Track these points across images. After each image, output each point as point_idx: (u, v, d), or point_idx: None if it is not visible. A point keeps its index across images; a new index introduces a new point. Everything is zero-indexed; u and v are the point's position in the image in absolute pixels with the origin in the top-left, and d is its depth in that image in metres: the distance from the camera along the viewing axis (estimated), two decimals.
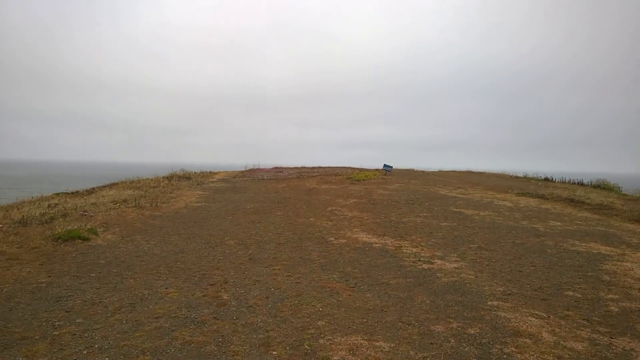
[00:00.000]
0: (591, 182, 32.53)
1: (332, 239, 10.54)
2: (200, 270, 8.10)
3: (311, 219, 13.48)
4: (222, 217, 14.15)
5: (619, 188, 30.24)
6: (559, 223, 12.72)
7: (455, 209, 14.93)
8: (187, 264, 8.51)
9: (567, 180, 34.84)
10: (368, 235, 10.91)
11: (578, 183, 33.31)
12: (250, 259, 8.85)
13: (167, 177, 29.33)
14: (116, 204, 17.38)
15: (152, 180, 27.15)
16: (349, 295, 6.62)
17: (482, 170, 46.21)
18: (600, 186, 31.04)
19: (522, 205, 16.15)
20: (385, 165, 29.39)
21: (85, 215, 14.98)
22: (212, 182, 27.78)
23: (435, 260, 8.54)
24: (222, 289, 7.01)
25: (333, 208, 15.60)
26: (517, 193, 19.20)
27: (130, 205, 16.82)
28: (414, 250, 9.38)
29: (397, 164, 36.28)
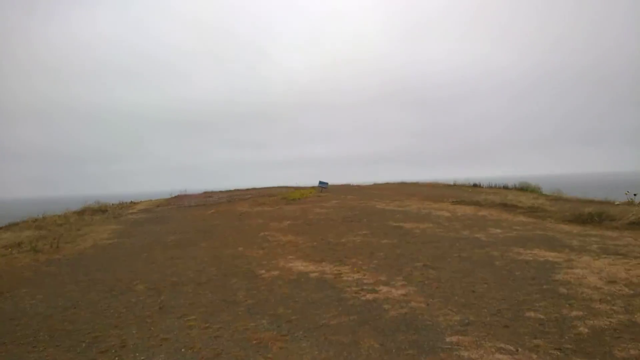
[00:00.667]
0: (515, 185, 33.92)
1: (262, 271, 9.16)
2: (94, 331, 6.38)
3: (240, 248, 12.00)
4: (135, 255, 12.24)
5: (539, 189, 31.70)
6: (499, 230, 12.32)
7: (394, 224, 14.16)
8: (77, 324, 6.74)
9: (493, 185, 36.11)
10: (304, 263, 9.67)
11: (503, 187, 34.59)
12: (160, 308, 7.23)
13: (78, 212, 26.33)
14: (7, 249, 14.78)
15: (59, 216, 24.14)
16: (281, 348, 5.30)
17: (415, 181, 47.14)
18: (523, 188, 32.37)
19: (459, 214, 15.80)
20: (320, 182, 28.55)
21: None
22: (132, 213, 25.30)
23: (380, 287, 7.46)
24: (116, 356, 5.40)
25: (266, 233, 14.22)
26: (453, 201, 19.03)
27: (24, 249, 14.34)
28: (356, 276, 8.26)
29: (333, 179, 35.70)
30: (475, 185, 35.83)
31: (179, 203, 28.27)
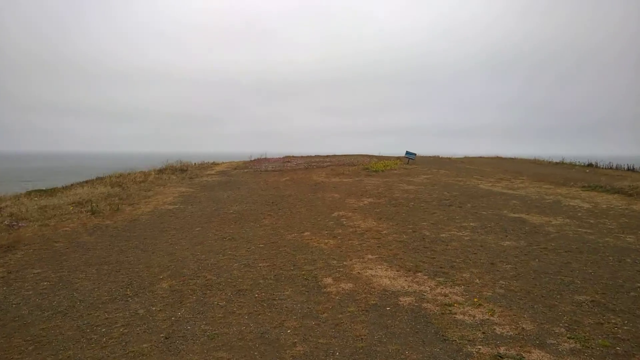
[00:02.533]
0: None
1: (329, 280, 6.16)
2: None
3: (306, 233, 9.14)
4: (187, 229, 9.98)
5: None
6: None
7: (512, 214, 10.33)
8: (45, 353, 4.32)
9: (613, 167, 29.61)
10: (390, 271, 6.49)
11: (629, 169, 28.05)
12: (166, 338, 4.57)
13: (159, 170, 25.38)
14: (73, 206, 13.53)
15: (140, 174, 23.19)
16: None
17: (511, 156, 41.09)
18: None
19: (603, 206, 11.42)
20: (407, 153, 24.77)
21: (14, 225, 11.09)
22: (209, 174, 23.77)
23: (530, 349, 4.08)
24: None
25: (341, 213, 11.22)
26: (583, 186, 14.42)
27: (85, 209, 12.92)
28: (476, 312, 4.92)
29: (420, 150, 31.50)
30: (591, 165, 29.54)
31: (257, 167, 26.34)
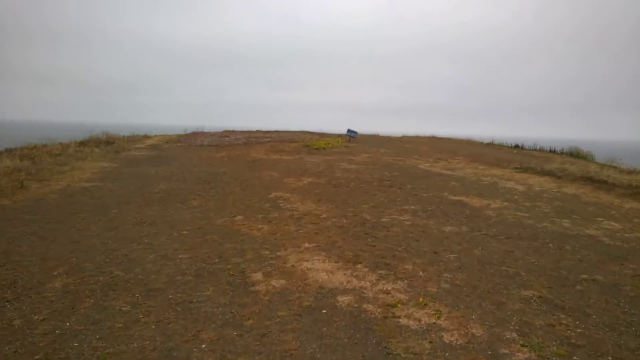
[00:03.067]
0: (563, 150, 28.92)
1: (259, 276, 5.35)
2: None
3: (239, 217, 8.23)
4: (101, 212, 8.68)
5: (592, 156, 26.86)
6: (617, 225, 8.11)
7: (452, 197, 10.07)
8: None
9: (538, 148, 31.26)
10: (328, 263, 5.81)
11: (551, 151, 29.69)
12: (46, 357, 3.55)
13: (80, 142, 22.89)
14: None
15: (58, 146, 20.75)
16: None
17: (445, 136, 42.32)
18: (573, 154, 27.50)
19: (537, 188, 11.53)
20: (349, 131, 24.27)
21: None
22: (138, 148, 21.83)
23: None
24: None
25: (278, 194, 10.38)
26: (517, 168, 14.66)
27: None
28: (421, 315, 4.35)
29: (361, 128, 31.21)
30: (517, 147, 30.91)
31: (191, 141, 24.64)
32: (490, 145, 32.11)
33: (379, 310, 4.37)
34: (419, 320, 4.13)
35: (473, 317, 4.22)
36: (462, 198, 9.93)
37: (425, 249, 6.36)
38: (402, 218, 8.16)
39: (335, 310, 4.38)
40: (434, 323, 4.09)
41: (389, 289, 4.91)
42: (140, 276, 5.30)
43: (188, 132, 29.20)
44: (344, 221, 7.90)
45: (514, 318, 4.22)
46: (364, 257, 5.99)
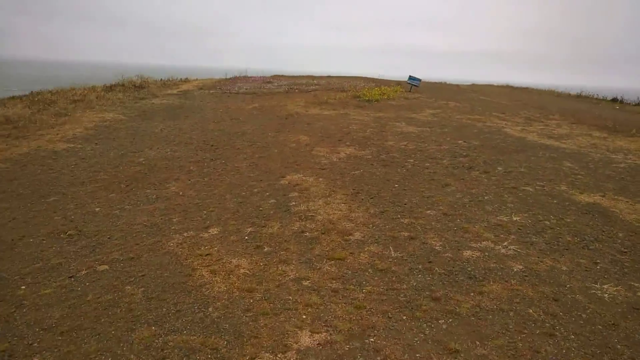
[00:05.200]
0: None
1: None
2: None
3: (213, 230, 4.85)
4: (34, 198, 5.69)
5: None
6: None
7: (579, 195, 5.94)
8: None
9: (624, 100, 24.68)
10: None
11: None
12: None
13: (108, 87, 20.40)
14: None
15: (82, 90, 18.36)
16: None
17: (521, 85, 35.75)
18: None
19: None
20: (410, 78, 19.68)
21: None
22: (167, 94, 19.01)
23: None
24: None
25: (296, 177, 6.85)
26: None
27: None
28: None
29: (424, 75, 26.10)
30: (615, 100, 24.44)
31: (228, 87, 21.33)
32: (582, 98, 25.89)
33: None
34: None
35: None
36: (597, 198, 5.80)
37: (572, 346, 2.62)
38: (498, 249, 4.34)
39: None
40: None
41: None
42: None
43: (229, 77, 25.85)
44: (392, 253, 4.24)
45: None
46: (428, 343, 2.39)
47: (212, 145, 9.37)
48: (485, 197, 5.81)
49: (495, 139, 9.54)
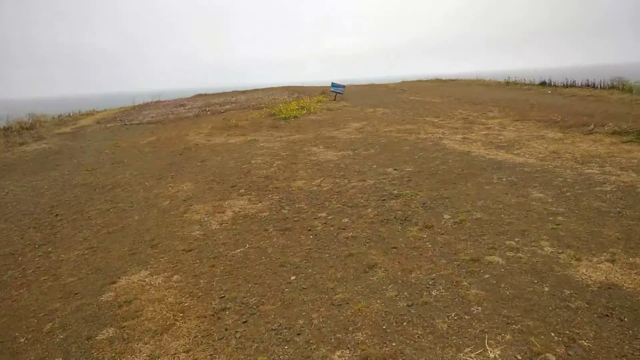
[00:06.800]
0: (603, 84, 21.58)
1: None
2: None
3: None
4: None
5: (632, 86, 19.89)
6: None
7: (579, 269, 3.62)
8: None
9: (569, 84, 24.04)
10: None
11: (589, 86, 22.43)
12: None
13: None
14: None
15: None
16: None
17: (447, 77, 35.09)
18: (625, 88, 20.25)
19: None
20: (333, 85, 17.35)
21: None
22: (55, 134, 15.72)
23: None
24: None
25: (138, 279, 4.04)
26: (607, 132, 8.03)
27: None
28: None
29: (353, 77, 24.05)
30: (545, 84, 23.57)
31: (132, 117, 17.96)
32: (511, 85, 24.92)
33: None
34: None
35: None
36: (610, 270, 3.49)
37: None
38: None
39: None
40: None
41: None
42: None
43: (136, 104, 22.31)
44: None
45: None
46: None
47: (56, 215, 6.37)
48: (434, 293, 3.34)
49: (434, 159, 7.23)
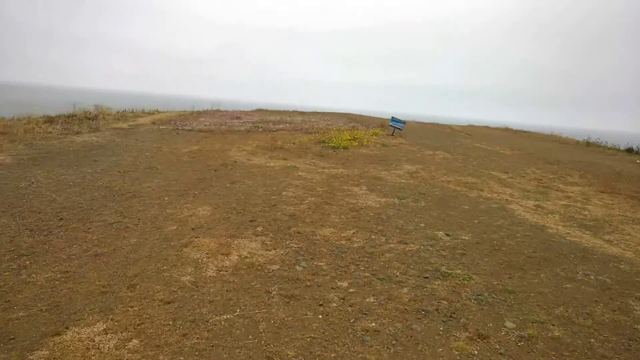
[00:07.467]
0: None
1: None
2: None
3: None
4: None
5: None
6: None
7: None
8: None
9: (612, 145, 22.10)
10: None
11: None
12: None
13: (50, 119, 17.36)
14: None
15: (24, 119, 15.54)
16: None
17: (517, 128, 32.49)
18: None
19: None
20: (393, 120, 16.21)
21: None
22: (111, 128, 15.70)
23: None
24: None
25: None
26: None
27: None
28: None
29: (418, 112, 22.79)
30: (632, 151, 20.90)
31: (185, 123, 17.91)
32: (591, 146, 22.42)
33: None
34: None
35: None
36: None
37: None
38: None
39: None
40: None
41: None
42: None
43: (195, 110, 22.55)
44: None
45: None
46: None
47: (60, 219, 5.78)
48: None
49: (498, 229, 5.81)
